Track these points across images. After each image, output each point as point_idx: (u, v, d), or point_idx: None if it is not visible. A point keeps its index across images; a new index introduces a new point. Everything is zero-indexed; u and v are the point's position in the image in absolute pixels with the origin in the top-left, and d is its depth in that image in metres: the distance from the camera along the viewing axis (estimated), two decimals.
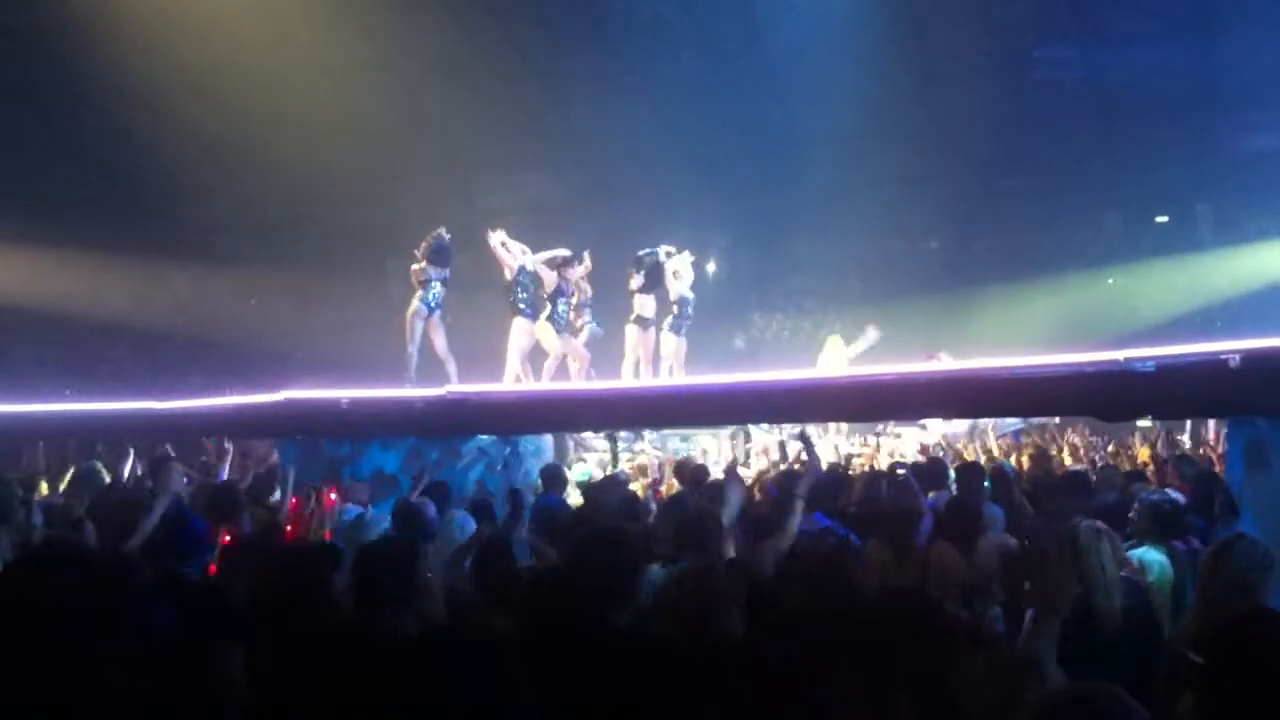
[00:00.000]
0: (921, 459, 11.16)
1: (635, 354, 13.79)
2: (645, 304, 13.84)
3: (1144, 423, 14.41)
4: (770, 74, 19.01)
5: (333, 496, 8.46)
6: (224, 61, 17.78)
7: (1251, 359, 6.89)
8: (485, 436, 11.08)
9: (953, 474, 9.07)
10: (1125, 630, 4.69)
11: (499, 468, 11.13)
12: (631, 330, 13.82)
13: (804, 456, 12.64)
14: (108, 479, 10.08)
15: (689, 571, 4.56)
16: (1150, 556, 5.76)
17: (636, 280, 13.82)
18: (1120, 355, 7.46)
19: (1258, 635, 3.54)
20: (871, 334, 16.64)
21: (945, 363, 10.23)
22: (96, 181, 19.32)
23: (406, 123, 19.98)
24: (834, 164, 19.73)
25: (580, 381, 12.97)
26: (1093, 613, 4.65)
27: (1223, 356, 6.95)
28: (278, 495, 8.57)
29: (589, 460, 13.67)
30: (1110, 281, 21.58)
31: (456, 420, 10.46)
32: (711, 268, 22.17)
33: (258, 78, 17.81)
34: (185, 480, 8.95)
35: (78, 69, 17.61)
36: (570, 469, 11.55)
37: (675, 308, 13.98)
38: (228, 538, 6.26)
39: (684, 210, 19.77)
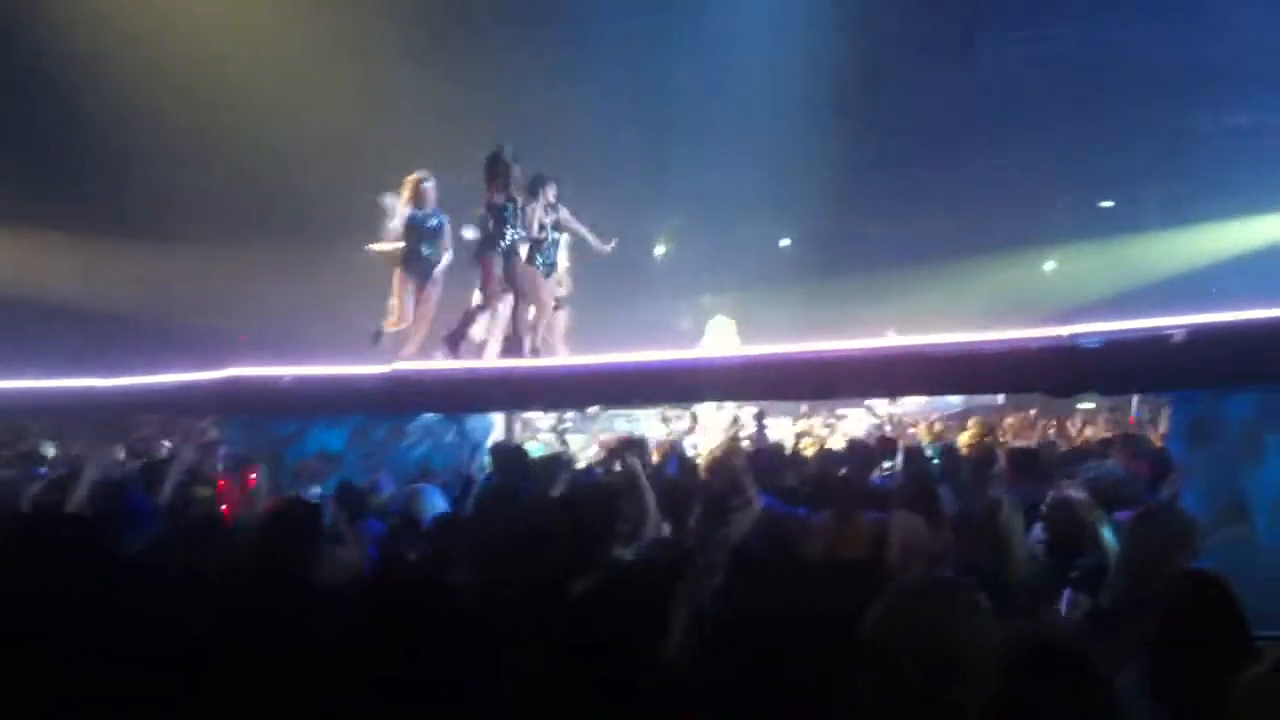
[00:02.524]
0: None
1: None
2: None
3: (1085, 405, 14.59)
4: (719, 55, 18.94)
5: (253, 477, 8.43)
6: (173, 37, 17.54)
7: (1196, 334, 6.94)
8: (432, 415, 10.92)
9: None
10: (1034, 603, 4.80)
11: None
12: None
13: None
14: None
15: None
16: None
17: None
18: (1066, 331, 7.47)
19: (1191, 594, 3.60)
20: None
21: (891, 338, 10.19)
22: (40, 158, 18.93)
23: (358, 101, 19.73)
24: (779, 146, 19.66)
25: (531, 360, 12.78)
26: (1007, 589, 4.75)
27: (1167, 332, 7.00)
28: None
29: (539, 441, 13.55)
30: (1053, 265, 21.80)
31: (402, 398, 10.31)
32: (660, 250, 22.21)
33: (208, 54, 17.64)
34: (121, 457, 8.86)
35: (20, 43, 17.28)
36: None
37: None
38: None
39: (630, 190, 19.69)
